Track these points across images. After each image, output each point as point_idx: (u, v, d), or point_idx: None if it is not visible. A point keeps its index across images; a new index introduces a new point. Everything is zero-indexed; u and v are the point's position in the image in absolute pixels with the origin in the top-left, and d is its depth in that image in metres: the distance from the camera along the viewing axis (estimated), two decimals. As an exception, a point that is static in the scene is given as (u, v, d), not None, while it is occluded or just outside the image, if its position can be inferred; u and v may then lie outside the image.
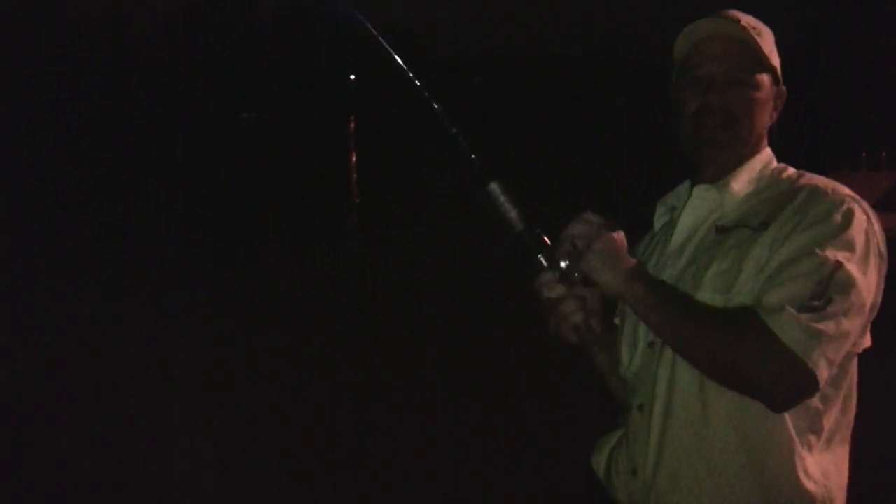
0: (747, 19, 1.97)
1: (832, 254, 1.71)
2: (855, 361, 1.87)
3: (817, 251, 1.71)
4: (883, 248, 1.81)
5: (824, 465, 1.84)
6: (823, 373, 1.68)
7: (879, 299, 1.80)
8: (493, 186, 1.94)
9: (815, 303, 1.67)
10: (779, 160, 2.03)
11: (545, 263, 1.92)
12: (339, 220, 19.63)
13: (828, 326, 1.67)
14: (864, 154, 18.31)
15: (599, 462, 2.09)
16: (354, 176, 31.11)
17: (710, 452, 1.83)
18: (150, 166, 35.24)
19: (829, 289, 1.68)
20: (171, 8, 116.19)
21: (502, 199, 1.94)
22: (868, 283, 1.74)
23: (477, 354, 7.91)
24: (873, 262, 1.77)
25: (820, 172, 1.94)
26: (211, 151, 43.27)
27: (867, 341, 1.84)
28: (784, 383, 1.68)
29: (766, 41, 1.97)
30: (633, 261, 1.86)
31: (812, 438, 1.82)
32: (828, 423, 1.84)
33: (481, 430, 6.20)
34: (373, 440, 6.17)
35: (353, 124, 71.82)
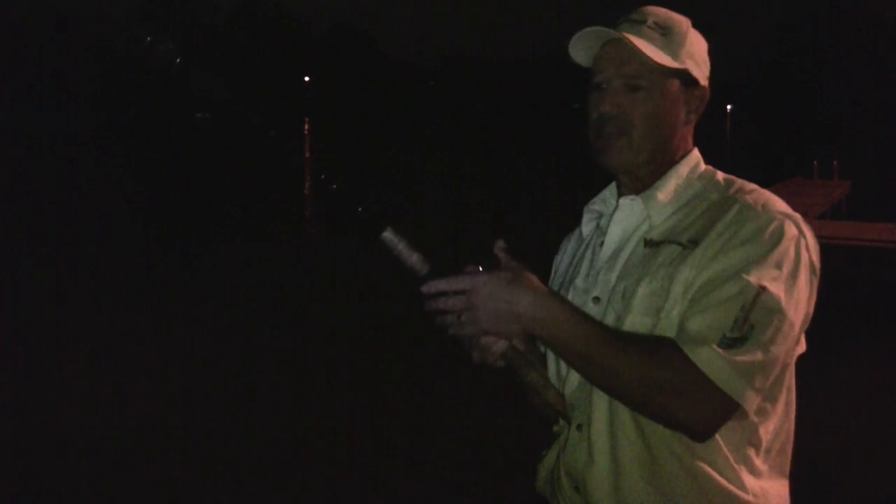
0: (659, 17, 1.93)
1: (756, 277, 1.68)
2: (792, 369, 1.85)
3: (742, 275, 1.68)
4: (816, 262, 1.78)
5: (764, 479, 1.82)
6: (753, 402, 1.67)
7: (812, 311, 1.78)
8: (387, 234, 1.79)
9: (737, 332, 1.64)
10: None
11: None
12: (294, 222, 19.54)
13: (753, 356, 1.64)
14: (815, 163, 18.49)
15: (543, 485, 2.06)
16: (308, 180, 31.00)
17: (659, 475, 1.80)
18: (105, 164, 34.83)
19: (752, 315, 1.65)
20: (126, 6, 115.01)
21: (400, 245, 1.80)
22: (797, 301, 1.72)
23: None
24: (804, 277, 1.74)
25: (774, 181, 1.91)
26: (165, 151, 42.84)
27: (801, 348, 1.83)
28: (703, 414, 1.67)
29: (676, 40, 1.91)
30: (532, 308, 1.70)
31: (751, 451, 1.81)
32: (766, 434, 1.82)
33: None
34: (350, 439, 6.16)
35: (307, 127, 71.53)
